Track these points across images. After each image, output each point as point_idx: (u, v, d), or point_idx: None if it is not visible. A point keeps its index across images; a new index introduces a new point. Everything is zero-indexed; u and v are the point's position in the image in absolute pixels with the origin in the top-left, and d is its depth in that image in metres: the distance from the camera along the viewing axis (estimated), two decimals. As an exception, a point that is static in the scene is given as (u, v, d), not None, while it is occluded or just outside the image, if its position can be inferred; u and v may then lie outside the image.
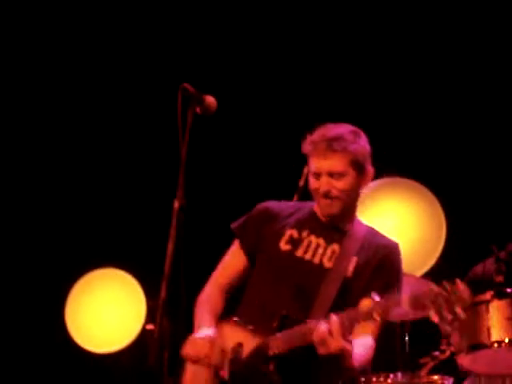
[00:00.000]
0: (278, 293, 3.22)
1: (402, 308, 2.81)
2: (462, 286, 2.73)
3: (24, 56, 6.07)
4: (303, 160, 3.40)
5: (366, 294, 3.02)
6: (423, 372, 4.31)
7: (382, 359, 4.40)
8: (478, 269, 4.46)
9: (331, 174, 3.27)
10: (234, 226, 3.48)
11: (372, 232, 3.41)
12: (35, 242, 6.31)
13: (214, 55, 5.97)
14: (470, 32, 5.65)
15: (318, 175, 3.31)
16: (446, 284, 2.76)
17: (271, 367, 3.00)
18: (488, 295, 4.10)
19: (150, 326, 2.48)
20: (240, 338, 3.11)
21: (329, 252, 3.30)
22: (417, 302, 2.79)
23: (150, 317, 5.67)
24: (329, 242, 3.32)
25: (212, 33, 5.95)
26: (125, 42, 6.05)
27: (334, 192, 3.28)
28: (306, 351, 3.00)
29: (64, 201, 6.33)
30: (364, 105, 5.72)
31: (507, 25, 5.60)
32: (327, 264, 3.28)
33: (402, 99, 5.79)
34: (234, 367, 2.99)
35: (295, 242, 3.29)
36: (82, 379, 5.87)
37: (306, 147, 3.35)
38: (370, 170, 3.35)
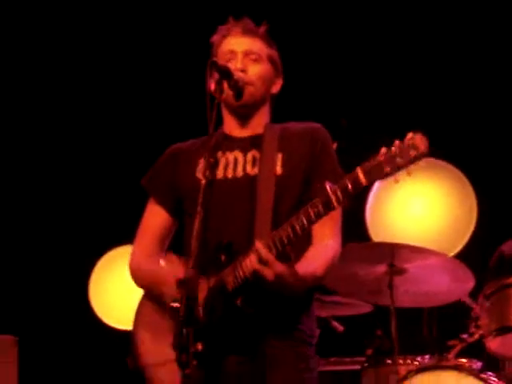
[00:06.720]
0: (215, 226, 2.81)
1: (359, 181, 2.46)
2: (411, 135, 2.43)
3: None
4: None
5: (306, 186, 2.82)
6: (451, 355, 4.26)
7: (410, 342, 4.40)
8: (506, 248, 4.41)
9: (248, 54, 2.99)
10: (142, 181, 3.16)
11: (288, 125, 3.06)
12: (58, 220, 6.32)
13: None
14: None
15: (232, 54, 3.01)
16: (395, 140, 2.45)
17: (238, 302, 2.72)
18: (517, 278, 4.05)
19: (174, 304, 2.41)
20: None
21: (249, 159, 2.98)
22: (372, 172, 2.46)
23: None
24: (245, 151, 3.00)
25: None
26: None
27: (250, 74, 2.96)
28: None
29: (88, 180, 6.34)
30: (391, 86, 5.66)
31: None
32: (252, 171, 2.95)
33: (430, 80, 5.70)
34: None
35: (211, 167, 2.81)
36: (106, 355, 5.87)
37: (219, 32, 3.07)
38: (281, 79, 3.10)
